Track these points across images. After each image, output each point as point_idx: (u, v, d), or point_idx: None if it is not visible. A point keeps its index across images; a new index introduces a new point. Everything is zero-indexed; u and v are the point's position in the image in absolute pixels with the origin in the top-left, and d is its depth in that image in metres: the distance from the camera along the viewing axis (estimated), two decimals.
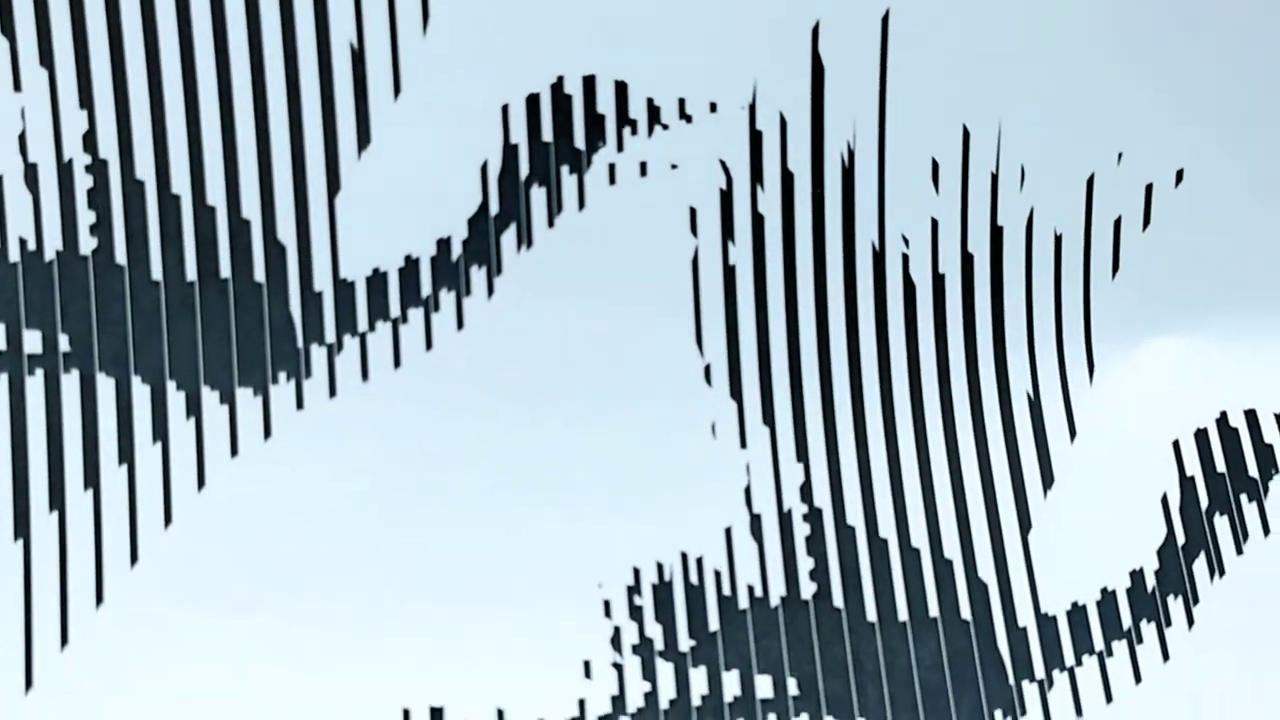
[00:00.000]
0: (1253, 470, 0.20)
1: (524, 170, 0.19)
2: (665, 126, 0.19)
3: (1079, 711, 0.19)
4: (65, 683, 0.17)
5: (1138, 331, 0.20)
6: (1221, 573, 0.19)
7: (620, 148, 0.19)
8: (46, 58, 0.18)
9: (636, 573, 0.19)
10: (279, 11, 0.18)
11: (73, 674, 0.17)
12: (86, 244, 0.18)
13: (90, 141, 0.18)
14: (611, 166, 0.19)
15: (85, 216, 0.18)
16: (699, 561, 0.19)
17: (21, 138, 0.18)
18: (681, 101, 0.19)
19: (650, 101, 0.19)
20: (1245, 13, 0.19)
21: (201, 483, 0.18)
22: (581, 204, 0.19)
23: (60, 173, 0.18)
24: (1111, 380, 0.20)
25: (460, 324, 0.19)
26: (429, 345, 0.19)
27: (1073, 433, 0.20)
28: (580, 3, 0.18)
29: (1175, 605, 0.19)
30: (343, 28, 0.18)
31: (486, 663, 0.18)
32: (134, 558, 0.18)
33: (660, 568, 0.19)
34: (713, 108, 0.19)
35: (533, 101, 0.18)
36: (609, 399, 0.19)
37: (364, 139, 0.18)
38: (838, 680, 0.19)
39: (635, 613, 0.19)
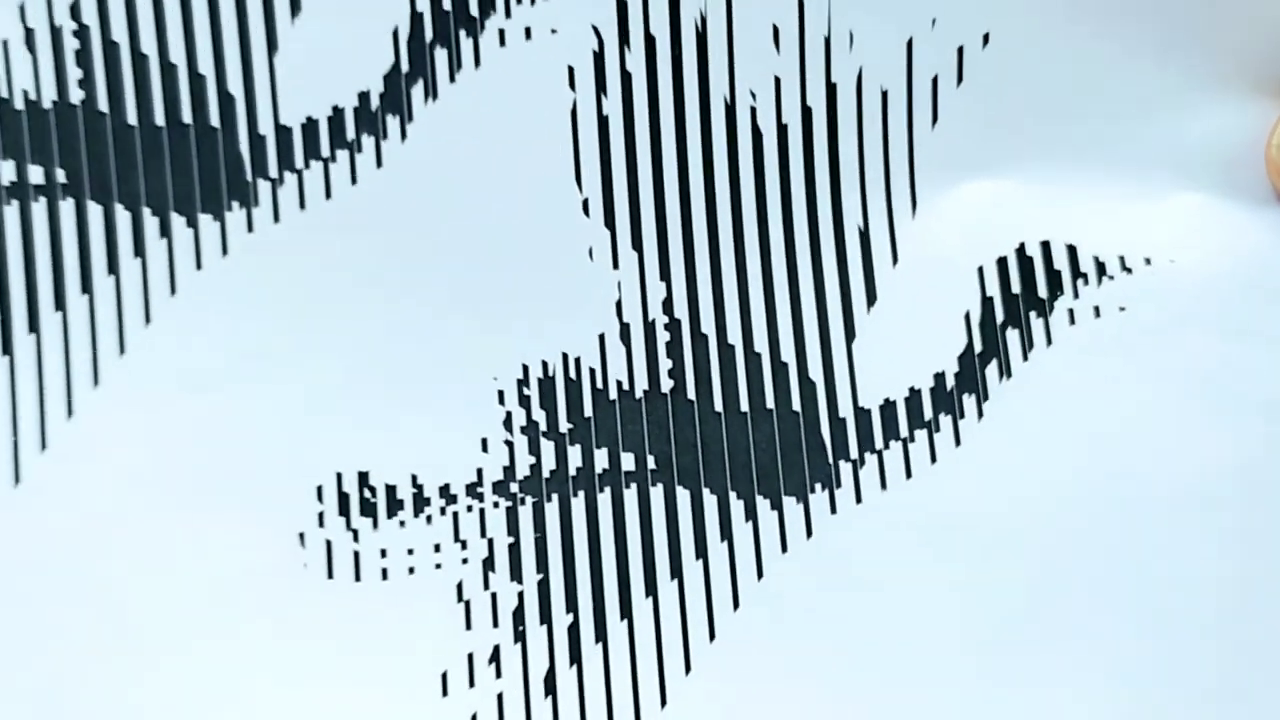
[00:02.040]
0: (1042, 292, 0.23)
1: (429, 35, 0.22)
2: None
3: (884, 485, 0.23)
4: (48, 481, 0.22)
5: (955, 175, 0.23)
6: (1009, 375, 0.23)
7: (509, 15, 0.23)
8: None
9: (525, 369, 0.23)
10: None
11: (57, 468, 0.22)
12: (76, 96, 0.22)
13: (76, 11, 0.22)
14: (501, 31, 0.22)
15: (74, 73, 0.22)
16: (577, 361, 0.23)
17: (21, 9, 0.22)
18: None
19: None
20: None
21: (173, 290, 0.22)
22: (477, 63, 0.23)
23: (53, 37, 0.22)
24: (930, 216, 0.23)
25: (379, 163, 0.23)
26: (353, 180, 0.23)
27: (895, 259, 0.23)
28: None
29: (969, 401, 0.23)
30: None
31: (404, 438, 0.22)
32: (122, 349, 0.22)
33: (545, 365, 0.23)
34: None
35: None
36: (504, 226, 0.23)
37: (296, 8, 0.22)
38: (688, 458, 0.23)
39: (524, 400, 0.23)
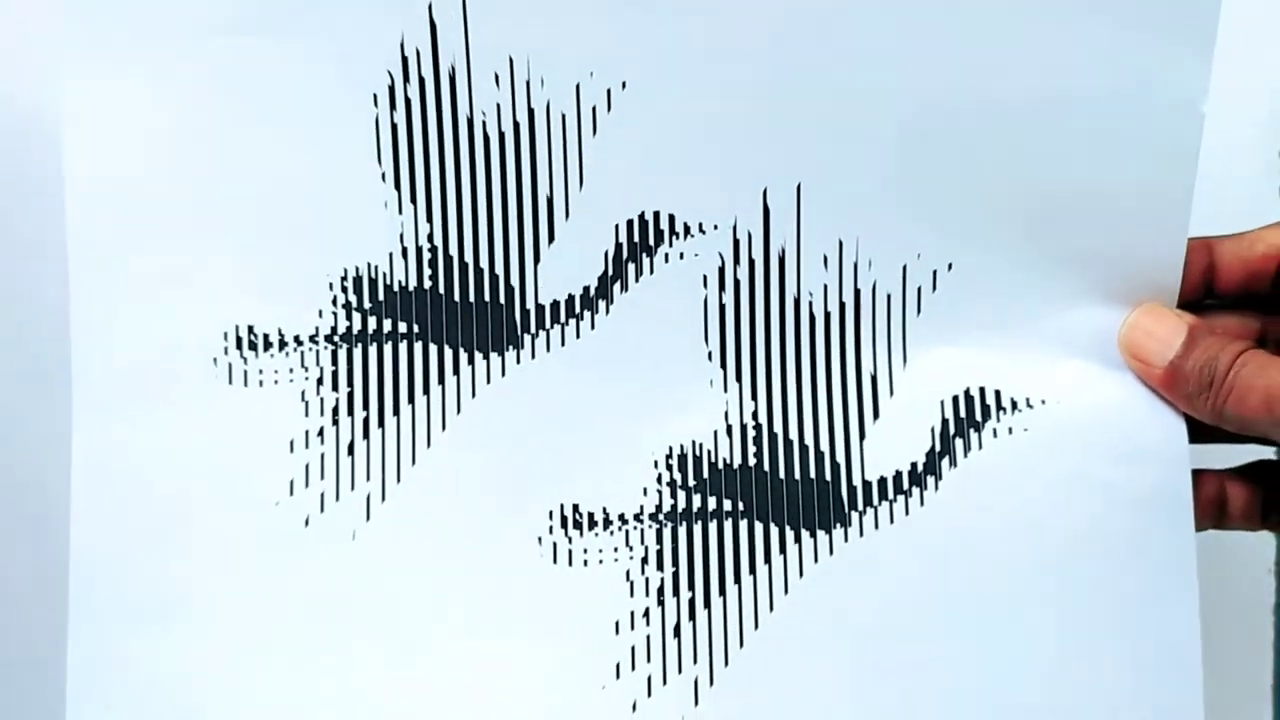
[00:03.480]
0: (978, 416, 0.38)
1: (625, 254, 0.39)
2: (691, 235, 0.39)
3: (876, 526, 0.38)
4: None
5: (930, 344, 0.38)
6: (955, 465, 0.38)
7: (670, 245, 0.39)
8: (398, 183, 0.38)
9: (670, 449, 0.39)
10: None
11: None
12: (426, 284, 0.39)
13: (430, 237, 0.39)
14: (665, 254, 0.38)
15: (426, 271, 0.39)
16: (700, 445, 0.39)
17: (400, 236, 0.38)
18: (700, 223, 0.38)
19: (686, 224, 0.38)
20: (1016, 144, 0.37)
21: (473, 394, 0.39)
22: (651, 270, 0.39)
23: (417, 253, 0.39)
24: (915, 368, 0.39)
25: (593, 326, 0.39)
26: (578, 336, 0.39)
27: (891, 392, 0.39)
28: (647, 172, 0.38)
29: (930, 480, 0.38)
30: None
31: (600, 485, 0.39)
32: (444, 426, 0.39)
33: (682, 447, 0.39)
34: (715, 227, 0.38)
35: (629, 224, 0.38)
36: (661, 366, 0.39)
37: (551, 237, 0.39)
38: (762, 503, 0.39)
39: (669, 467, 0.39)
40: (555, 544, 0.38)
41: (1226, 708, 0.43)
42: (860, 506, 0.38)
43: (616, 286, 0.38)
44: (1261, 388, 0.35)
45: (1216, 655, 0.39)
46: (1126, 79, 0.36)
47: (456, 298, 0.38)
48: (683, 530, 0.38)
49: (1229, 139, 0.43)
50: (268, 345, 0.38)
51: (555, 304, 0.38)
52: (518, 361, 0.38)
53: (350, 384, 0.38)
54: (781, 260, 0.38)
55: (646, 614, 0.38)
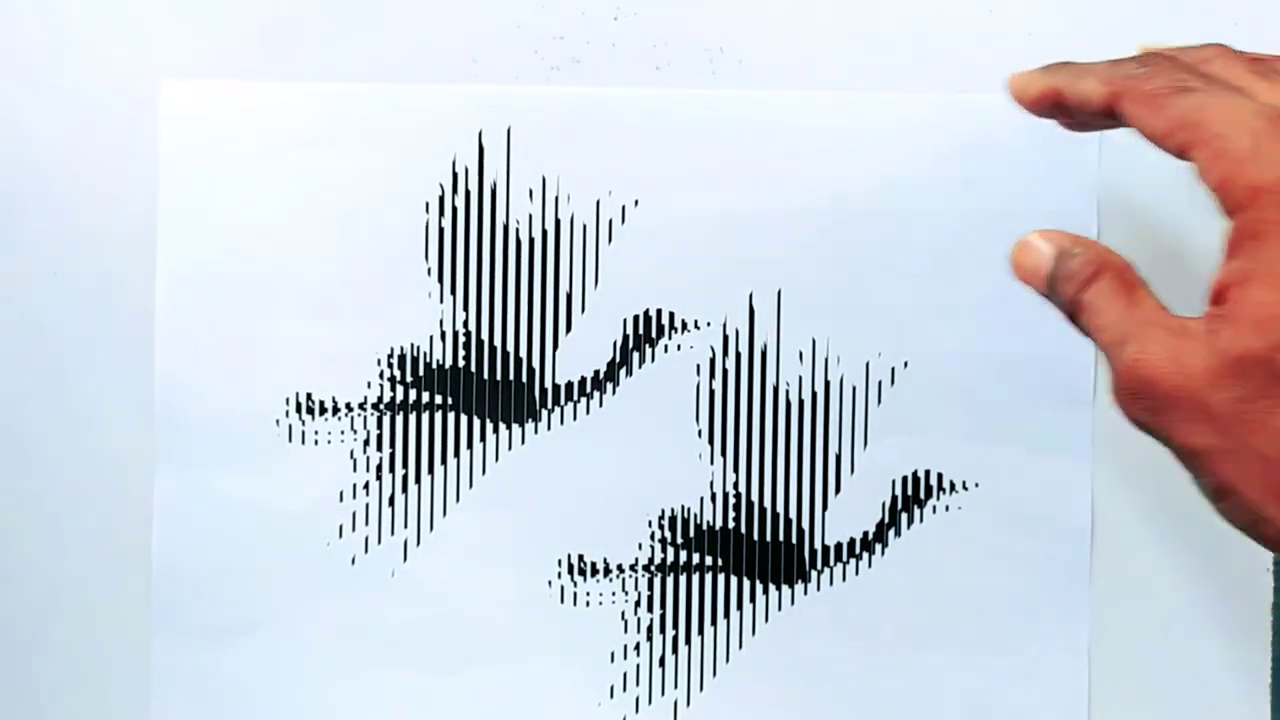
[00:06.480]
0: (922, 495, 0.46)
1: (630, 345, 0.45)
2: (688, 330, 0.45)
3: (830, 583, 0.46)
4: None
5: (887, 434, 0.46)
6: (899, 535, 0.46)
7: (669, 338, 0.45)
8: (441, 277, 0.45)
9: (662, 511, 0.46)
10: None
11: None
12: (461, 363, 0.45)
13: (477, 325, 0.45)
14: (665, 345, 0.45)
15: (461, 353, 0.45)
16: (688, 508, 0.46)
17: (441, 322, 0.45)
18: (696, 320, 0.45)
19: (684, 320, 0.45)
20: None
21: (497, 458, 0.46)
22: (653, 359, 0.45)
23: (464, 338, 0.45)
24: (874, 450, 0.46)
25: (601, 404, 0.46)
26: (588, 412, 0.46)
27: (852, 470, 0.46)
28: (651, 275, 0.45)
29: (878, 547, 0.46)
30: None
31: (605, 541, 0.46)
32: (471, 484, 0.46)
33: (674, 510, 0.46)
34: (708, 324, 0.45)
35: (635, 318, 0.45)
36: (657, 440, 0.46)
37: (569, 327, 0.45)
38: (738, 559, 0.46)
39: (662, 528, 0.46)
40: (563, 587, 0.45)
41: (1225, 707, 0.46)
42: (819, 566, 0.45)
43: (623, 371, 0.45)
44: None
45: (1216, 654, 0.45)
46: (1029, 207, 0.44)
47: (485, 376, 0.45)
48: (670, 580, 0.45)
49: None
50: (323, 410, 0.45)
51: (570, 384, 0.45)
52: (536, 432, 0.45)
53: (392, 446, 0.45)
54: (764, 354, 0.45)
55: (638, 647, 0.45)
